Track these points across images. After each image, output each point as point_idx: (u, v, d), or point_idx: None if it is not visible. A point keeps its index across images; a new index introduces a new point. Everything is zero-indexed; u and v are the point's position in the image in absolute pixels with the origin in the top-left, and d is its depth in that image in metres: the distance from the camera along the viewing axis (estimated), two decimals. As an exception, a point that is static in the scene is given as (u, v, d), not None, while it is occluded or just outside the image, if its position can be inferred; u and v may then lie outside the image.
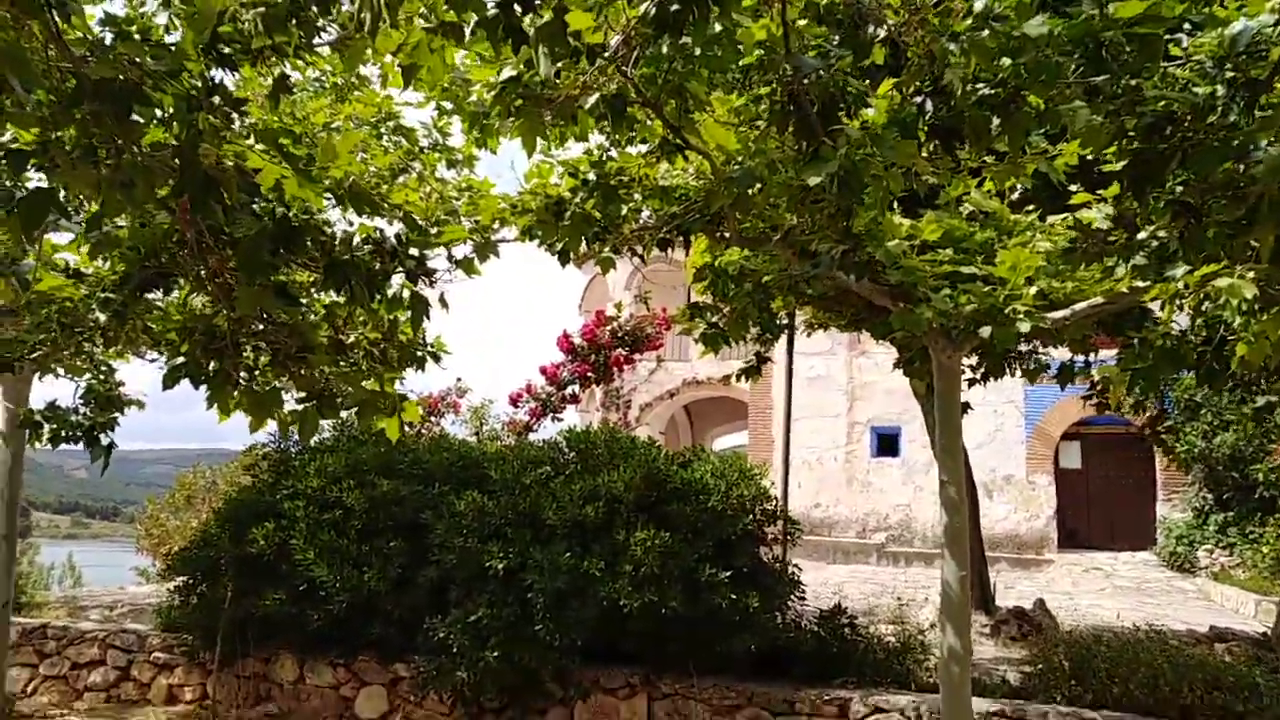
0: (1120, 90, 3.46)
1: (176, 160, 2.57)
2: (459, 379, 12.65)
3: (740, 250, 6.02)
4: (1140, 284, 4.98)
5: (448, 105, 4.95)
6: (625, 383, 17.95)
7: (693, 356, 20.20)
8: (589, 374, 11.82)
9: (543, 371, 11.96)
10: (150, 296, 3.84)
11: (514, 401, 12.01)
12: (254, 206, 2.98)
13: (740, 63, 4.06)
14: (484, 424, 12.33)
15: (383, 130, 4.72)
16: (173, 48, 2.61)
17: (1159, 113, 3.47)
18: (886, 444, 18.30)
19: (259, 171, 2.82)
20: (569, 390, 11.94)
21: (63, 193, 2.92)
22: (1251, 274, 4.29)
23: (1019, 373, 7.99)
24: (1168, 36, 3.36)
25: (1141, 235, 4.38)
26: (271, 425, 4.21)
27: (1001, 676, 6.62)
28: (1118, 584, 14.44)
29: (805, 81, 3.39)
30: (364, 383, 3.82)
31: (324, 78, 4.99)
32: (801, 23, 3.60)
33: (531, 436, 11.65)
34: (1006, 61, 3.41)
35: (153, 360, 5.62)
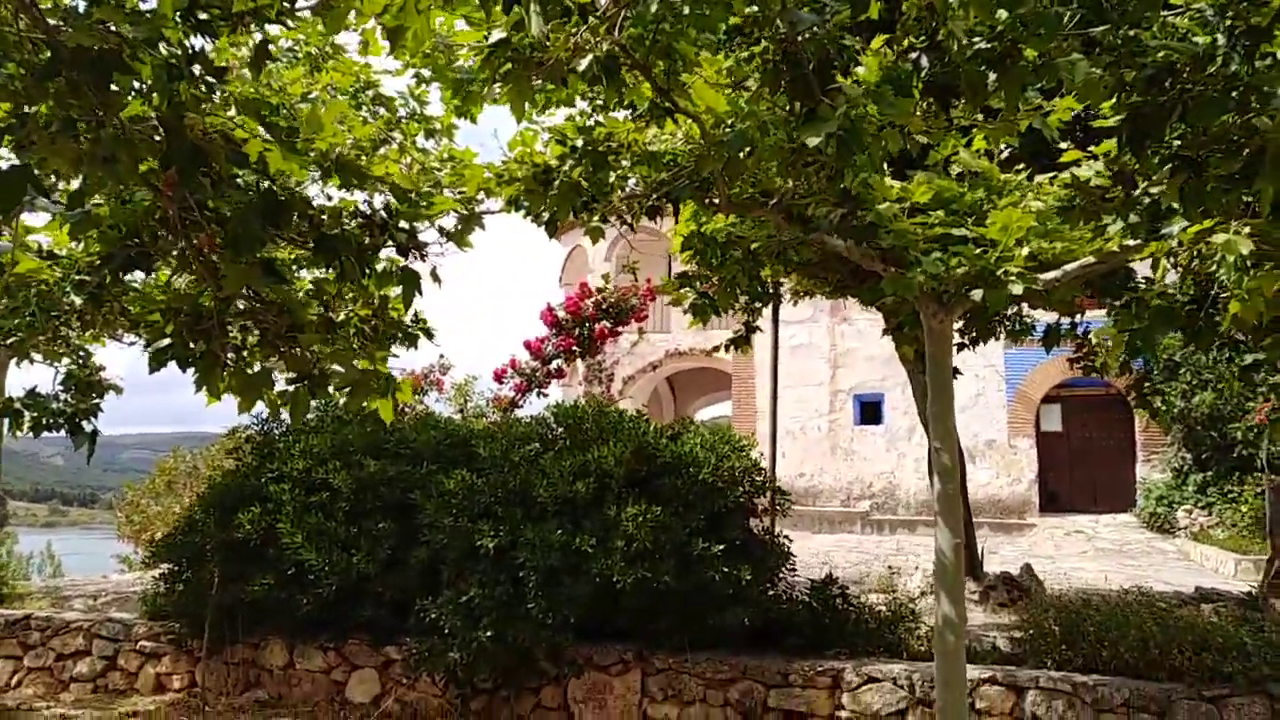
0: (1120, 41, 3.39)
1: (160, 132, 2.45)
2: (442, 355, 12.55)
3: (726, 217, 5.94)
4: (1131, 242, 4.94)
5: (426, 73, 4.82)
6: (607, 356, 17.89)
7: (674, 328, 20.11)
8: (573, 347, 11.73)
9: (527, 346, 11.85)
10: (130, 277, 3.70)
11: (499, 377, 11.90)
12: (238, 180, 2.86)
13: (728, 22, 3.96)
14: (468, 401, 12.22)
15: (361, 100, 4.58)
16: (150, 14, 2.48)
17: (1159, 63, 3.40)
18: (869, 412, 18.35)
19: (246, 143, 2.69)
20: (554, 365, 11.85)
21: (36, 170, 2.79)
22: (1247, 229, 4.26)
23: (1003, 335, 8.00)
24: (1167, -16, 3.30)
25: (1135, 191, 4.33)
26: (255, 407, 4.10)
27: (992, 643, 6.64)
28: (1099, 546, 14.57)
29: (800, 39, 3.29)
30: (355, 362, 3.71)
31: (297, 47, 4.83)
32: (794, -22, 3.50)
33: (517, 412, 11.56)
34: (1004, 14, 3.33)
35: (131, 343, 5.49)
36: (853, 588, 7.36)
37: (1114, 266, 5.59)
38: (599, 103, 5.01)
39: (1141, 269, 6.01)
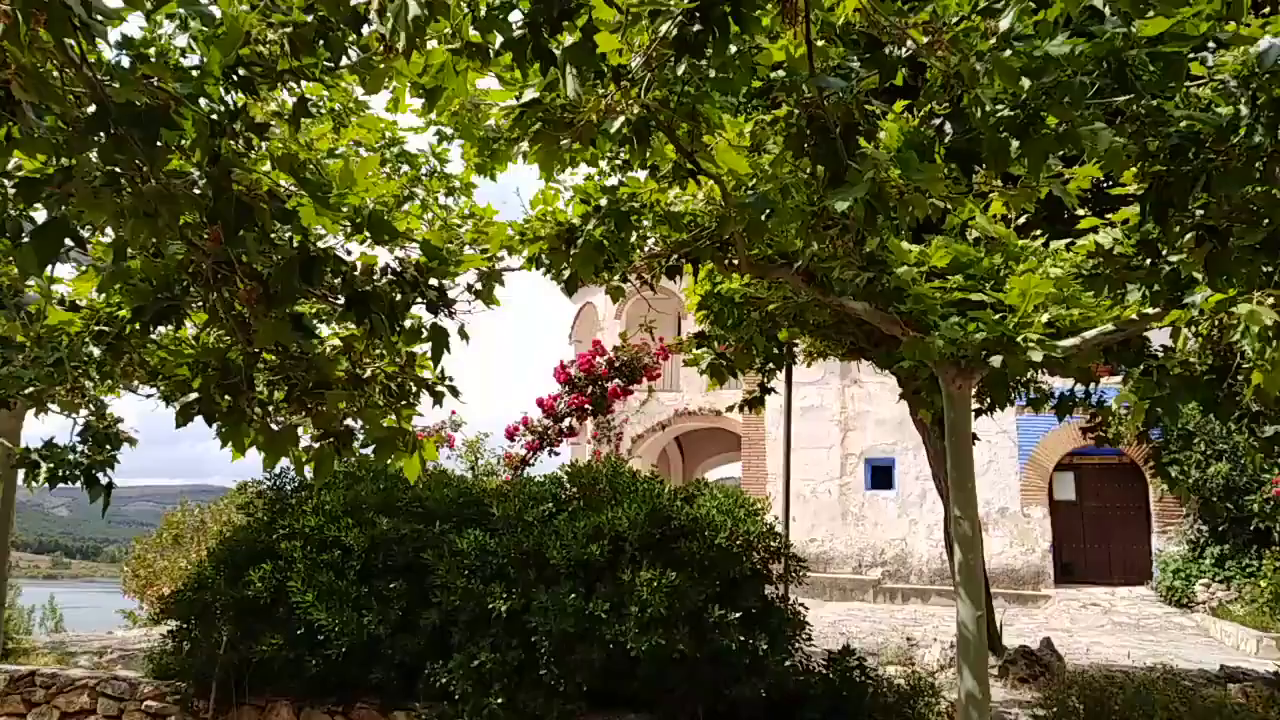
0: (1143, 111, 3.43)
1: (199, 186, 2.48)
2: (453, 412, 12.53)
3: (742, 277, 5.96)
4: (1151, 310, 4.94)
5: (448, 131, 4.89)
6: (616, 414, 17.83)
7: (684, 387, 20.07)
8: (586, 406, 11.71)
9: (539, 404, 11.84)
10: (160, 329, 3.72)
11: (510, 435, 11.87)
12: (272, 236, 2.89)
13: (750, 85, 4.03)
14: (479, 458, 12.17)
15: (386, 156, 4.65)
16: (195, 71, 2.53)
17: (1183, 133, 3.44)
18: (881, 476, 18.18)
19: (289, 199, 2.73)
20: (566, 423, 11.82)
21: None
22: (1271, 300, 4.26)
23: (1022, 402, 7.94)
24: (1191, 55, 3.34)
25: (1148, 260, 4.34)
26: (258, 459, 4.08)
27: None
28: (1116, 620, 14.30)
29: (826, 103, 3.33)
30: (382, 419, 3.71)
31: (321, 103, 4.89)
32: (819, 43, 3.55)
33: (528, 470, 11.51)
34: (1027, 82, 3.37)
35: (148, 395, 5.48)
36: (870, 659, 7.21)
37: (1133, 335, 5.59)
38: (618, 162, 5.08)
39: (1157, 337, 6.00)
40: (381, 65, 2.84)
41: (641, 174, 4.86)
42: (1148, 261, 4.18)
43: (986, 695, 4.81)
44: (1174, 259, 4.25)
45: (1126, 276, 4.31)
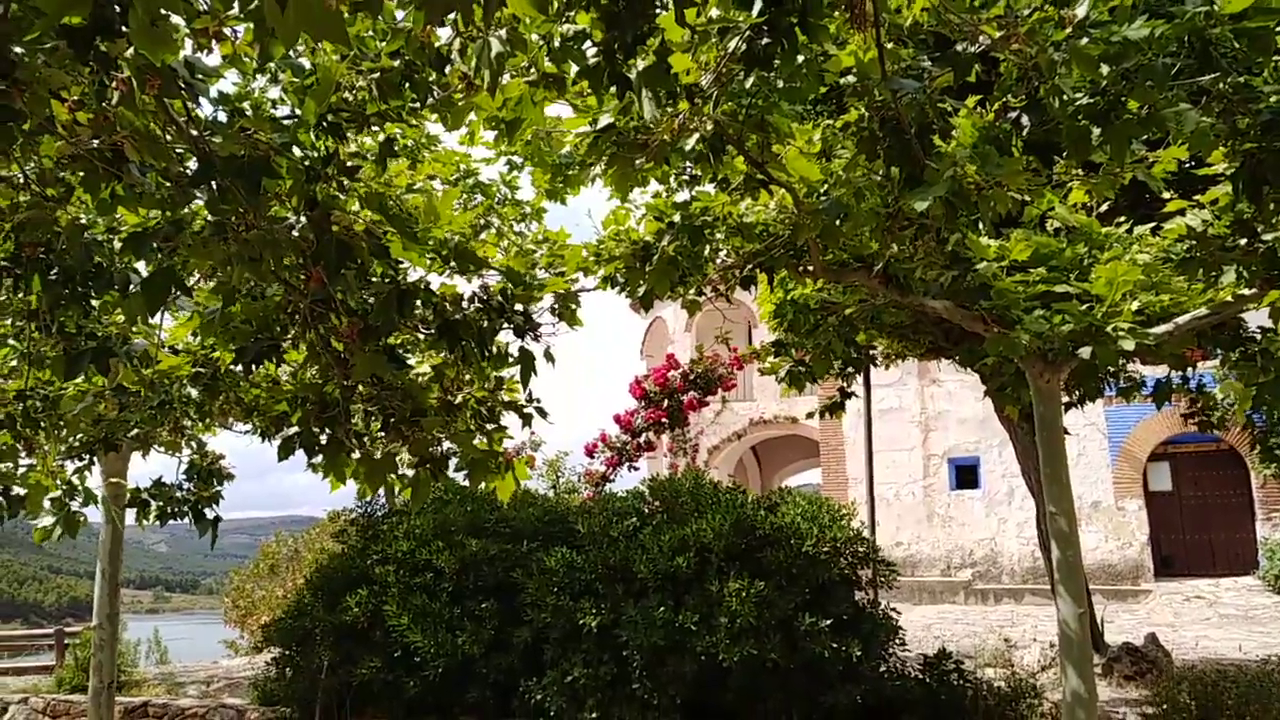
0: (1230, 88, 3.33)
1: (303, 229, 2.59)
2: (533, 433, 12.66)
3: (816, 283, 5.92)
4: (1247, 291, 4.77)
5: (518, 159, 4.98)
6: (692, 426, 17.82)
7: (758, 396, 19.95)
8: (663, 420, 11.73)
9: (616, 420, 11.90)
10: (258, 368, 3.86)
11: (590, 452, 11.96)
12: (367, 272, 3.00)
13: (818, 93, 4.01)
14: (560, 476, 12.28)
15: (461, 188, 4.75)
16: (289, 121, 2.64)
17: (1274, 108, 3.33)
18: (966, 475, 17.81)
19: (385, 236, 2.84)
20: (643, 438, 11.85)
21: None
22: (1377, 274, 4.09)
23: (1112, 392, 7.72)
24: (1278, 29, 3.23)
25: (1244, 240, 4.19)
26: (347, 489, 4.19)
27: (1122, 719, 6.29)
28: (1223, 613, 13.75)
29: (899, 105, 3.31)
30: (474, 442, 3.81)
31: (395, 140, 5.02)
32: (888, 46, 3.53)
33: (609, 486, 11.57)
34: (1106, 69, 3.30)
35: (245, 431, 5.67)
36: (967, 662, 7.06)
37: (1227, 317, 5.40)
38: (685, 178, 5.11)
39: (1252, 319, 5.79)
40: (462, 102, 2.93)
41: (711, 187, 4.89)
42: (1242, 241, 4.04)
43: (1093, 694, 4.67)
44: (1269, 237, 4.11)
45: (1221, 258, 4.17)
